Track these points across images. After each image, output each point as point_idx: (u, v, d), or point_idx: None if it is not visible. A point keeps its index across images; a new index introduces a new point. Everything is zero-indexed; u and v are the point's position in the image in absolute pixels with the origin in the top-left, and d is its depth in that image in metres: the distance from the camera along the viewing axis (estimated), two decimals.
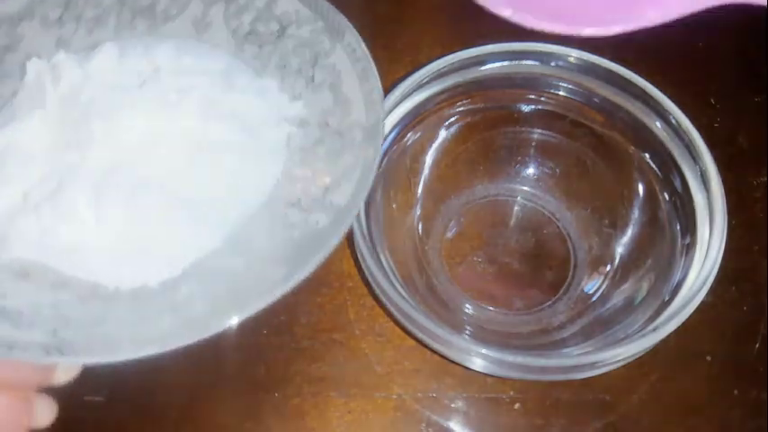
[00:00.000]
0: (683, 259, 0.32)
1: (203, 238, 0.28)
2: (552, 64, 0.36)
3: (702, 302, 0.29)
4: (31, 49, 0.32)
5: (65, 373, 0.25)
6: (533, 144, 0.39)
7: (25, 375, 0.25)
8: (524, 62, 0.36)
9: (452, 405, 0.34)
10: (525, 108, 0.38)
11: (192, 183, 0.28)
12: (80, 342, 0.24)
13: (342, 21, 0.31)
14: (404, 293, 0.30)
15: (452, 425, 0.34)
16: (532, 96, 0.37)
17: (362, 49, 0.30)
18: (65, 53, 0.31)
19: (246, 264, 0.27)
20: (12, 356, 0.23)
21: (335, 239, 0.25)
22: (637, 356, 0.29)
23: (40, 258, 0.27)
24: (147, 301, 0.26)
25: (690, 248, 0.32)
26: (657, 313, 0.30)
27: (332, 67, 0.31)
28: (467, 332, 0.34)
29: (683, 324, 0.29)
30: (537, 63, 0.36)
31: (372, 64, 0.30)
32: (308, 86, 0.31)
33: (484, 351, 0.28)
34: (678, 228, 0.33)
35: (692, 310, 0.29)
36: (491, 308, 0.36)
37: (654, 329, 0.29)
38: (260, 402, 0.34)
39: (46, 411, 0.25)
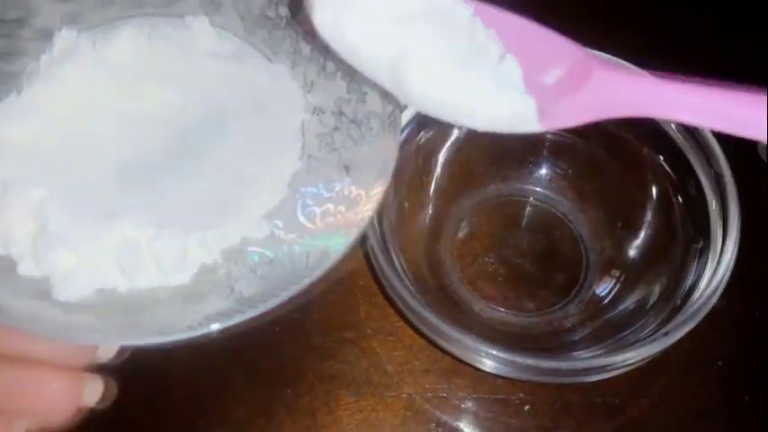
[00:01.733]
0: (695, 263, 0.32)
1: (235, 223, 0.28)
2: None
3: (714, 307, 0.29)
4: (42, 25, 0.32)
5: (105, 351, 0.26)
6: (546, 144, 0.39)
7: (73, 356, 0.26)
8: None
9: (462, 405, 0.34)
10: None
11: (216, 168, 0.29)
12: (125, 324, 0.25)
13: None
14: (415, 293, 0.31)
15: (462, 425, 0.34)
16: None
17: None
18: (77, 30, 0.31)
19: (278, 248, 0.27)
20: (69, 339, 0.24)
21: (362, 226, 0.26)
22: (647, 360, 0.29)
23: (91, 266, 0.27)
24: (189, 285, 0.27)
25: (703, 252, 0.31)
26: (669, 317, 0.30)
27: None
28: (477, 332, 0.34)
29: (695, 329, 0.29)
30: None
31: None
32: (320, 74, 0.31)
33: (494, 352, 0.28)
34: (691, 231, 0.33)
35: (703, 315, 0.29)
36: (502, 309, 0.36)
37: (665, 334, 0.29)
38: (272, 399, 0.34)
39: (95, 390, 0.26)
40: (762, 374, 0.35)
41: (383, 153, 0.28)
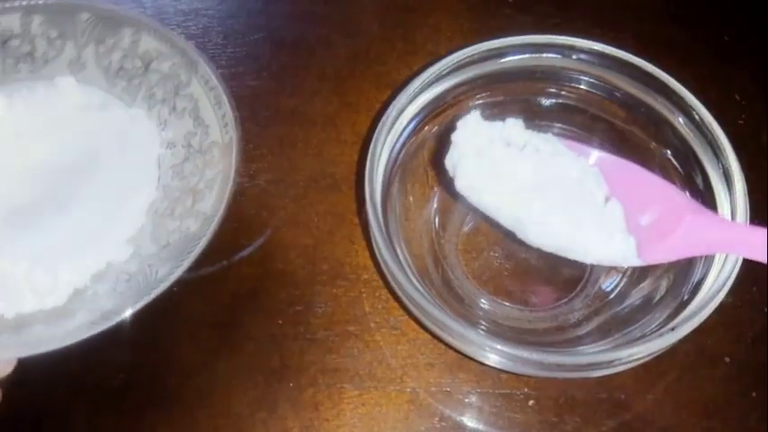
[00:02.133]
0: (702, 259, 0.31)
1: (104, 250, 0.33)
2: (573, 57, 0.36)
3: (722, 303, 0.29)
4: None
5: (2, 367, 0.29)
6: None
7: None
8: (545, 55, 0.36)
9: (466, 400, 0.34)
10: (545, 102, 0.38)
11: (90, 203, 0.34)
12: (12, 341, 0.30)
13: (195, 55, 0.36)
14: (419, 287, 0.30)
15: (466, 420, 0.34)
16: (553, 90, 0.37)
17: (214, 79, 0.35)
18: None
19: (138, 266, 0.32)
20: None
21: (204, 241, 0.31)
22: (653, 356, 0.29)
23: None
24: (65, 305, 0.32)
25: None
26: (676, 313, 0.30)
27: (190, 96, 0.36)
28: (482, 327, 0.34)
29: (702, 324, 0.28)
30: (558, 56, 0.36)
31: (222, 91, 0.35)
32: (171, 113, 0.36)
33: (499, 346, 0.28)
34: None
35: (711, 311, 0.29)
36: (507, 303, 0.36)
37: (672, 329, 0.28)
38: (274, 392, 0.34)
39: None
40: None
41: (222, 176, 0.33)
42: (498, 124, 0.33)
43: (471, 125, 0.33)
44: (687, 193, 0.34)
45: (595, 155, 0.33)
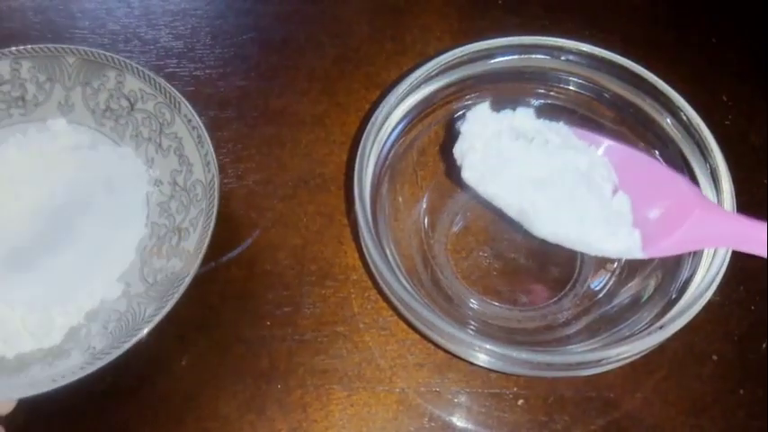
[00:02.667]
0: (690, 258, 0.31)
1: (97, 288, 0.34)
2: (562, 58, 0.36)
3: (709, 301, 0.29)
4: None
5: (3, 407, 0.30)
6: None
7: None
8: (534, 56, 0.36)
9: (455, 400, 0.34)
10: (534, 102, 0.38)
11: (82, 241, 0.35)
12: (10, 385, 0.31)
13: (177, 95, 0.37)
14: (408, 287, 0.30)
15: (455, 420, 0.34)
16: (542, 91, 0.37)
17: (196, 119, 0.36)
18: None
19: (127, 304, 0.33)
20: None
21: (188, 279, 0.32)
22: (642, 354, 0.29)
23: None
24: (60, 344, 0.33)
25: None
26: (664, 311, 0.30)
27: (174, 135, 0.37)
28: (471, 327, 0.34)
29: (690, 323, 0.29)
30: (547, 57, 0.36)
31: (205, 131, 0.36)
32: (158, 151, 0.38)
33: (488, 346, 0.28)
34: None
35: (698, 309, 0.29)
36: (496, 303, 0.36)
37: (660, 327, 0.28)
38: (262, 394, 0.34)
39: None
40: (756, 369, 0.34)
41: (205, 213, 0.34)
42: (508, 114, 0.33)
43: (481, 115, 0.33)
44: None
45: (606, 144, 0.33)
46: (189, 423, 0.33)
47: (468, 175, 0.32)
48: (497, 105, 0.33)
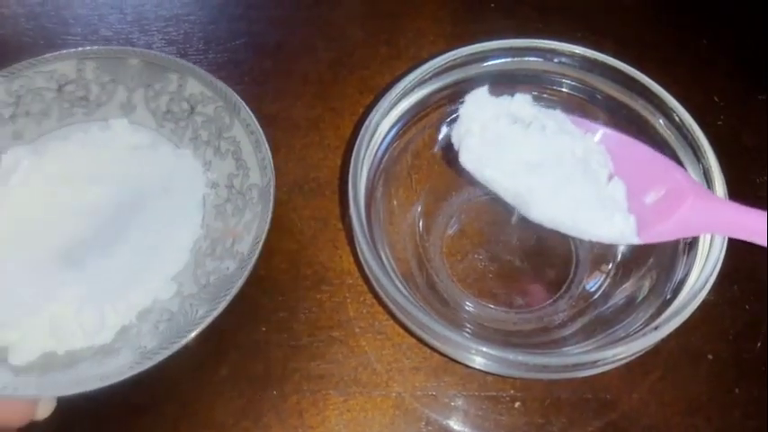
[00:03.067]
0: (684, 258, 0.32)
1: (150, 287, 0.34)
2: (555, 61, 0.36)
3: (704, 301, 0.29)
4: None
5: (44, 409, 0.30)
6: None
7: (13, 415, 0.30)
8: (527, 59, 0.36)
9: (452, 403, 0.34)
10: None
11: (138, 240, 0.36)
12: (58, 381, 0.31)
13: (237, 100, 0.37)
14: (404, 290, 0.30)
15: (452, 423, 0.33)
16: (535, 93, 0.37)
17: (255, 123, 0.36)
18: (19, 146, 0.38)
19: (179, 305, 0.33)
20: (13, 395, 0.30)
21: (240, 281, 0.32)
22: (638, 355, 0.29)
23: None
24: (111, 342, 0.33)
25: (692, 247, 0.31)
26: (659, 312, 0.30)
27: (233, 139, 0.37)
28: (467, 330, 0.34)
29: (685, 323, 0.29)
30: (540, 60, 0.36)
31: (263, 135, 0.36)
32: (215, 155, 0.38)
33: (484, 349, 0.28)
34: None
35: (693, 309, 0.29)
36: (492, 306, 0.36)
37: (655, 328, 0.28)
38: (258, 400, 0.34)
39: None
40: (751, 368, 0.35)
41: (260, 217, 0.34)
42: (506, 99, 0.33)
43: (479, 100, 0.33)
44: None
45: (602, 132, 0.33)
46: (183, 430, 0.33)
47: (465, 158, 0.32)
48: (495, 91, 0.34)
